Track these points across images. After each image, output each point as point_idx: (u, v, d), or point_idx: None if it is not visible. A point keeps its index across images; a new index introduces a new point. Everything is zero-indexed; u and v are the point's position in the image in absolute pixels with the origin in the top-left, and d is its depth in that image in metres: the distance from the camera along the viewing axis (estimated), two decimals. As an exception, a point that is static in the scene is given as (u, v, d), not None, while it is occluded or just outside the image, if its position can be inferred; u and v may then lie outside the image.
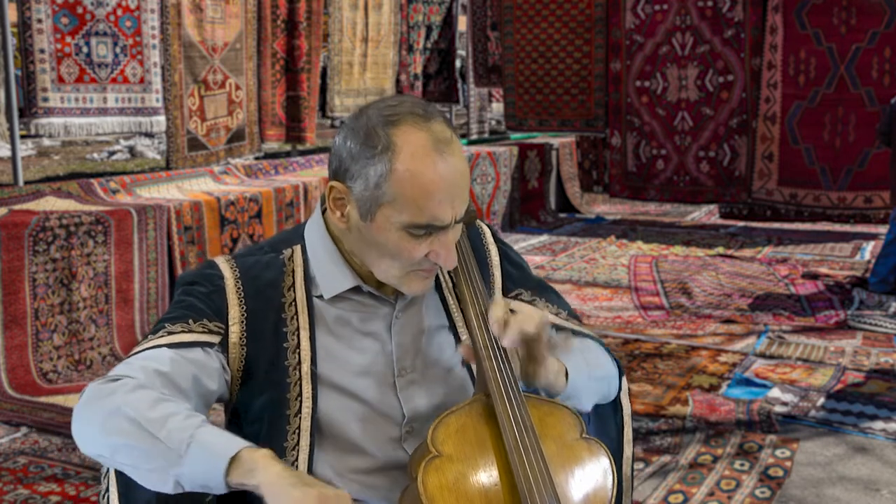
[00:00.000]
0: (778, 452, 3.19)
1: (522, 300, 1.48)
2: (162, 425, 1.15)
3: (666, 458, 3.15)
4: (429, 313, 1.43)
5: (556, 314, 1.49)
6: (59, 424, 3.49)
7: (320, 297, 1.38)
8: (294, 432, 1.31)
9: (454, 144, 1.29)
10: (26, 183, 5.23)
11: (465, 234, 1.45)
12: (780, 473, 3.02)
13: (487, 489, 1.21)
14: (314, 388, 1.33)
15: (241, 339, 1.33)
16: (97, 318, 4.28)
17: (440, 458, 1.20)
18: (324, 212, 1.42)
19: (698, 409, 3.60)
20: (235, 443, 1.15)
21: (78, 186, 4.83)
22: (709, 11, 7.49)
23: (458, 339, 1.42)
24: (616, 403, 1.53)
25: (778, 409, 3.57)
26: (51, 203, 4.51)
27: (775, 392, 3.73)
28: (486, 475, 1.22)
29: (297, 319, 1.35)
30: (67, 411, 3.63)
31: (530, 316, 1.28)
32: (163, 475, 1.16)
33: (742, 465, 3.09)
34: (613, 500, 1.28)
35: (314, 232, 1.41)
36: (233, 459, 1.12)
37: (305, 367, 1.33)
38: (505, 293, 1.49)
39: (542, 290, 1.52)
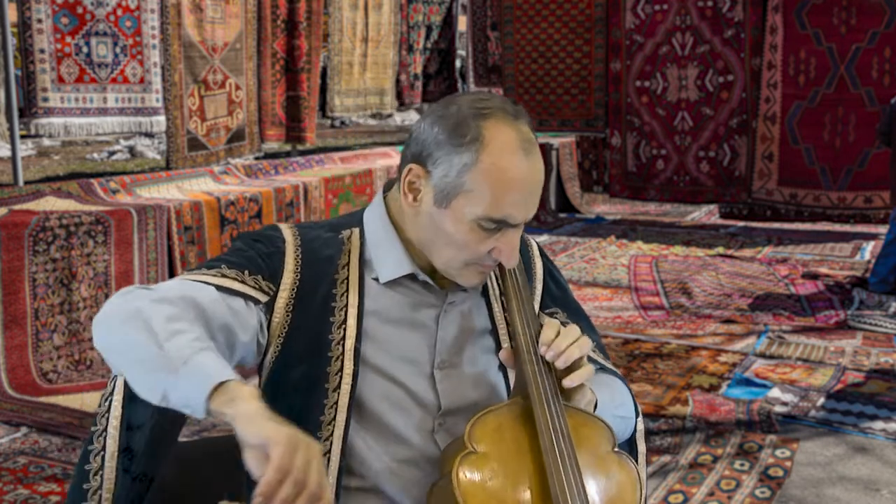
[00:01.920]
0: (778, 452, 3.19)
1: (557, 320, 1.47)
2: (169, 337, 1.16)
3: (666, 458, 3.15)
4: (476, 313, 1.44)
5: None
6: (59, 424, 3.49)
7: (375, 279, 1.39)
8: (331, 407, 1.31)
9: (537, 147, 1.31)
10: (26, 183, 5.23)
11: None
12: (780, 473, 3.02)
13: (520, 490, 1.22)
14: (356, 366, 1.33)
15: (288, 304, 1.34)
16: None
17: (475, 455, 1.21)
18: (384, 198, 1.43)
19: (698, 409, 3.60)
20: (228, 373, 1.14)
21: (78, 186, 4.83)
22: (709, 11, 7.49)
23: (498, 345, 1.43)
24: (631, 444, 1.53)
25: (778, 409, 3.57)
26: (51, 203, 4.51)
27: (775, 392, 3.73)
28: (520, 476, 1.23)
29: (347, 297, 1.36)
30: (67, 411, 3.63)
31: (582, 344, 1.29)
32: (154, 384, 1.16)
33: (742, 465, 3.10)
34: None
35: (375, 216, 1.42)
36: (219, 385, 1.12)
37: (350, 343, 1.33)
38: (542, 308, 1.50)
39: (577, 316, 1.53)
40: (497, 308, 1.45)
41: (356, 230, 1.42)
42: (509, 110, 1.30)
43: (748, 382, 3.87)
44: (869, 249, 6.71)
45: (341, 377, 1.32)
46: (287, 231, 1.40)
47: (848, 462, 3.13)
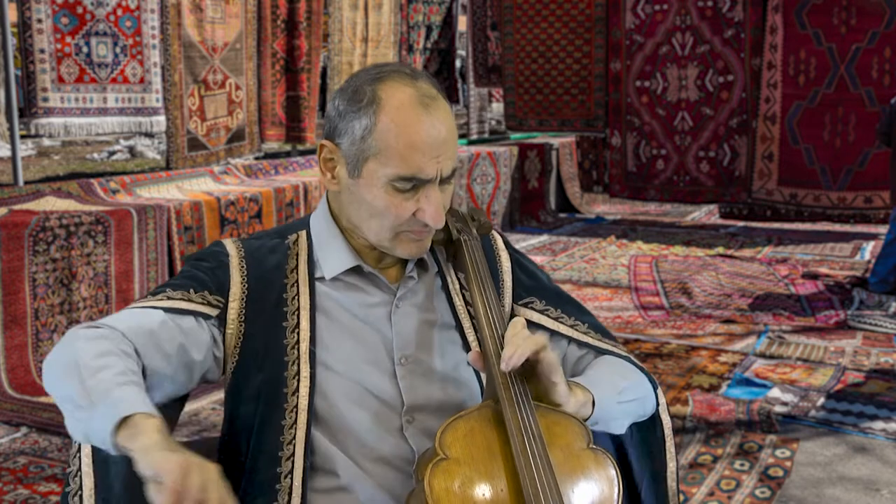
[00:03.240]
0: (778, 452, 3.19)
1: (534, 309, 1.47)
2: (93, 374, 1.15)
3: (666, 458, 3.15)
4: (435, 308, 1.43)
5: (572, 326, 1.46)
6: (59, 424, 3.49)
7: (321, 278, 1.39)
8: (291, 411, 1.31)
9: (440, 101, 1.31)
10: (26, 183, 5.23)
11: (479, 242, 1.45)
12: (780, 473, 3.02)
13: (493, 494, 1.21)
14: (312, 368, 1.33)
15: (239, 315, 1.35)
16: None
17: (447, 461, 1.21)
18: (328, 197, 1.45)
19: (698, 409, 3.60)
20: (139, 406, 1.11)
21: (78, 186, 4.84)
22: (709, 11, 7.49)
23: (464, 339, 1.42)
24: (655, 419, 1.50)
25: (778, 409, 3.57)
26: (51, 203, 4.51)
27: (775, 392, 3.73)
28: (493, 480, 1.22)
29: (298, 300, 1.37)
30: (67, 411, 3.63)
31: (534, 341, 1.25)
32: (77, 424, 1.15)
33: (742, 465, 3.10)
34: None
35: (319, 215, 1.44)
36: (125, 419, 1.10)
37: (304, 346, 1.34)
38: (516, 300, 1.49)
39: (558, 301, 1.50)
40: (459, 302, 1.44)
41: (302, 233, 1.43)
42: (406, 71, 1.32)
43: (748, 382, 3.87)
44: (869, 249, 6.71)
45: (299, 380, 1.32)
46: (230, 245, 1.41)
47: (848, 462, 3.13)
